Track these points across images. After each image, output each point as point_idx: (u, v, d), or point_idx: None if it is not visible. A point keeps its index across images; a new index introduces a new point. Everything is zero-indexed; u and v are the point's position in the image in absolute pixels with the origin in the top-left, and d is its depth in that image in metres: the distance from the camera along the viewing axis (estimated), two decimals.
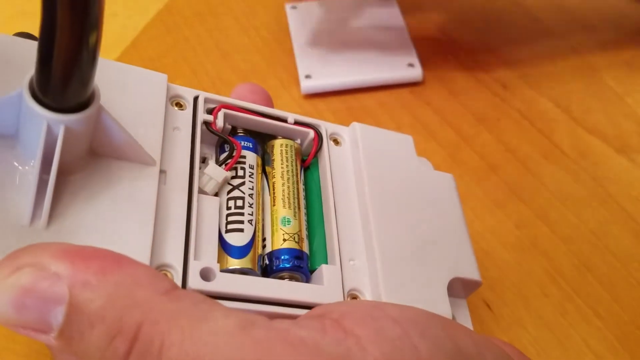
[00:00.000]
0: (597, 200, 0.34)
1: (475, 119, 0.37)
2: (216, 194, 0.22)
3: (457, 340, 0.17)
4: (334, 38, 0.40)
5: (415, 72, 0.38)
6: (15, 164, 0.18)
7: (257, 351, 0.15)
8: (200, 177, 0.21)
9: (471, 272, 0.23)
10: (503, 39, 0.41)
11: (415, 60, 0.38)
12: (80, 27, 0.15)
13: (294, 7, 0.42)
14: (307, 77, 0.38)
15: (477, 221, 0.32)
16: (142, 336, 0.14)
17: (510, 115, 0.37)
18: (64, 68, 0.15)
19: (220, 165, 0.21)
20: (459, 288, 0.23)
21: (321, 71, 0.38)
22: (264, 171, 0.23)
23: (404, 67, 0.38)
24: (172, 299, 0.15)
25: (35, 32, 0.22)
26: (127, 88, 0.21)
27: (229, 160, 0.22)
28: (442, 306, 0.21)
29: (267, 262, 0.21)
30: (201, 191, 0.21)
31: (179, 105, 0.22)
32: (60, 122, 0.16)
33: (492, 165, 0.35)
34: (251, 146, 0.23)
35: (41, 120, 0.16)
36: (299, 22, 0.41)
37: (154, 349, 0.14)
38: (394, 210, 0.23)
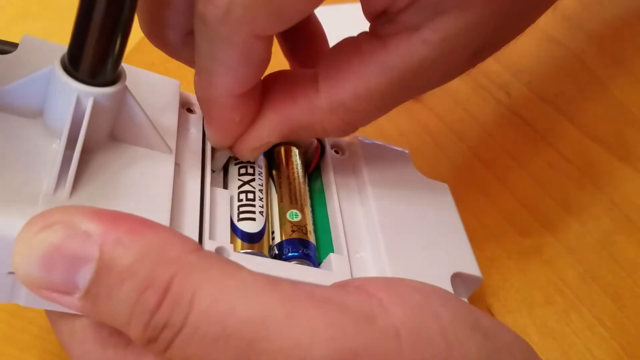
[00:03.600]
0: (601, 209, 0.33)
1: (479, 126, 0.37)
2: (226, 187, 0.22)
3: (477, 315, 0.17)
4: None
5: None
6: (41, 139, 0.19)
7: (285, 304, 0.15)
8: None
9: (471, 268, 0.24)
10: (507, 46, 0.41)
11: None
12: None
13: None
14: None
15: (480, 229, 0.32)
16: (174, 288, 0.14)
17: (514, 123, 0.37)
18: (99, 41, 0.16)
19: None
20: (460, 286, 0.23)
21: None
22: (270, 175, 0.24)
23: None
24: (202, 257, 0.15)
25: (39, 33, 0.23)
26: (142, 91, 0.22)
27: None
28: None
29: (276, 252, 0.22)
30: (213, 184, 0.22)
31: (190, 110, 0.23)
32: (90, 94, 0.17)
33: (496, 172, 0.35)
34: None
35: (72, 92, 0.17)
36: None
37: (184, 301, 0.14)
38: (395, 212, 0.24)
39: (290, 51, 0.25)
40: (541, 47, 0.41)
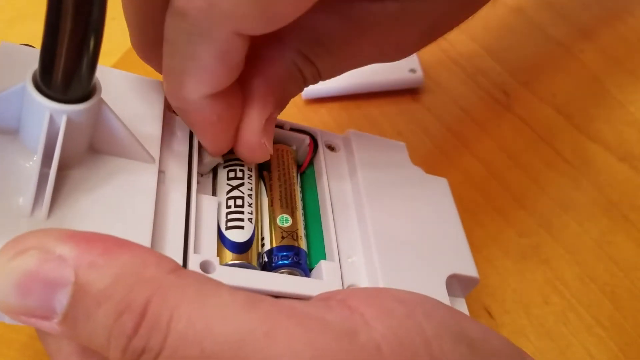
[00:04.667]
0: (599, 209, 0.33)
1: (476, 126, 0.37)
2: (214, 194, 0.22)
3: (463, 324, 0.17)
4: None
5: (417, 78, 0.37)
6: (17, 157, 0.18)
7: (264, 323, 0.14)
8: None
9: (468, 269, 0.23)
10: (504, 45, 0.41)
11: (416, 65, 0.38)
12: (84, 18, 0.15)
13: None
14: None
15: (478, 228, 0.32)
16: (151, 311, 0.14)
17: (512, 122, 0.37)
18: (67, 60, 0.16)
19: None
20: (456, 286, 0.23)
21: None
22: (261, 176, 0.23)
23: (405, 72, 0.38)
24: (179, 277, 0.15)
25: (39, 35, 0.22)
26: (126, 94, 0.21)
27: None
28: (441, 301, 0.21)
29: (265, 259, 0.21)
30: (200, 190, 0.21)
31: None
32: (63, 112, 0.17)
33: (494, 172, 0.35)
34: None
35: (44, 111, 0.17)
36: None
37: (162, 323, 0.14)
38: (390, 211, 0.23)
39: None
40: (539, 46, 0.41)
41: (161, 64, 0.21)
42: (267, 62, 0.21)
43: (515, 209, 0.33)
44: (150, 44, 0.21)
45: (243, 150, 0.22)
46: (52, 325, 0.15)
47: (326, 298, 0.17)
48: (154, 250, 0.16)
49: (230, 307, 0.15)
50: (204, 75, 0.18)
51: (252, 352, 0.14)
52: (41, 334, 0.19)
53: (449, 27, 0.24)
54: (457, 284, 0.23)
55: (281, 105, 0.22)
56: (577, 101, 0.38)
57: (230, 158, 0.23)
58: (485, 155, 0.35)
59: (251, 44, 0.19)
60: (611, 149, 0.36)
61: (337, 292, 0.17)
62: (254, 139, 0.21)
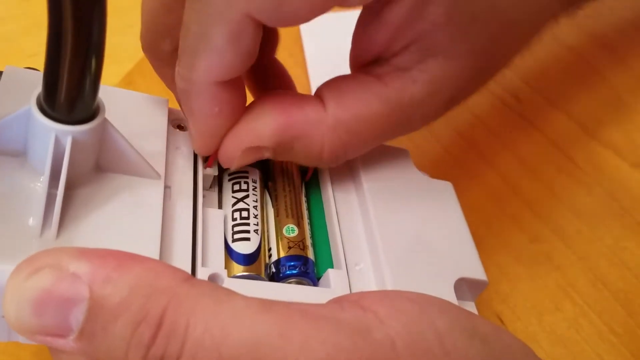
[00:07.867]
0: (612, 215, 0.33)
1: (488, 132, 0.37)
2: (220, 207, 0.22)
3: (475, 321, 0.17)
4: (347, 50, 0.40)
5: None
6: (25, 179, 0.18)
7: (279, 325, 0.15)
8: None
9: (476, 272, 0.23)
10: None
11: None
12: (85, 42, 0.15)
13: None
14: None
15: (489, 234, 0.32)
16: (168, 319, 0.14)
17: (524, 128, 0.37)
18: (70, 82, 0.16)
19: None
20: (465, 290, 0.23)
21: None
22: (266, 187, 0.24)
23: None
24: (193, 285, 0.15)
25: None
26: (130, 112, 0.22)
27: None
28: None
29: (273, 270, 0.21)
30: (205, 204, 0.21)
31: (180, 127, 0.23)
32: (68, 133, 0.17)
33: (505, 178, 0.35)
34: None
35: (49, 132, 0.17)
36: (312, 34, 0.41)
37: (179, 330, 0.14)
38: (396, 217, 0.23)
39: (258, 92, 0.26)
40: (551, 52, 0.41)
41: (160, 59, 0.22)
42: (300, 113, 0.21)
43: (526, 215, 0.33)
44: (156, 36, 0.21)
45: (221, 151, 0.22)
46: (68, 343, 0.15)
47: (339, 300, 0.17)
48: (165, 263, 0.16)
49: (244, 311, 0.15)
50: (215, 57, 0.19)
51: (268, 353, 0.14)
52: (54, 354, 0.19)
53: (469, 95, 0.25)
54: (465, 287, 0.23)
55: (279, 149, 0.22)
56: (590, 107, 0.38)
57: (235, 171, 0.23)
58: (496, 161, 0.35)
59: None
60: (624, 156, 0.36)
61: (349, 295, 0.18)
62: (234, 152, 0.21)
